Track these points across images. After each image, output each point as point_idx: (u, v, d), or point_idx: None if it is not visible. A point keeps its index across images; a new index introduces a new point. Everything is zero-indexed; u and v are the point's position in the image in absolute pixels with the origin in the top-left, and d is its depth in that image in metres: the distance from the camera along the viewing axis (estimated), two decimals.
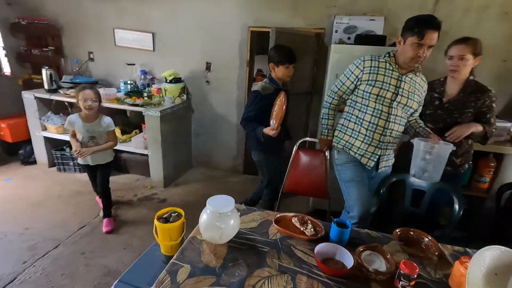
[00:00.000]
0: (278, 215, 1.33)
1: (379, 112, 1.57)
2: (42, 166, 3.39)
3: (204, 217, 1.11)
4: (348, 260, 1.06)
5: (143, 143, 3.05)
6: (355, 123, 1.67)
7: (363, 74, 1.58)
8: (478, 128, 1.69)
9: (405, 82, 1.56)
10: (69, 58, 3.50)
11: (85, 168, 2.37)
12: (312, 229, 1.24)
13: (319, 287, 0.97)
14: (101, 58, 3.55)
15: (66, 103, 3.28)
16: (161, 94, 3.10)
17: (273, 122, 1.77)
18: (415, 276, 0.94)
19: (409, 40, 1.46)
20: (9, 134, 3.26)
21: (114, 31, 3.36)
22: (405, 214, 1.79)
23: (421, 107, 1.72)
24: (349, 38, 2.64)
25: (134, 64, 3.35)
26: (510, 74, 2.52)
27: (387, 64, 1.56)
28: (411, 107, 1.61)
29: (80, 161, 2.30)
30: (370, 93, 1.56)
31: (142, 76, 3.33)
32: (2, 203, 2.64)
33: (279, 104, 1.75)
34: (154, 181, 3.10)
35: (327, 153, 1.90)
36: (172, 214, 1.38)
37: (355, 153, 1.70)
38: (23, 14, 3.44)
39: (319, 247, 1.09)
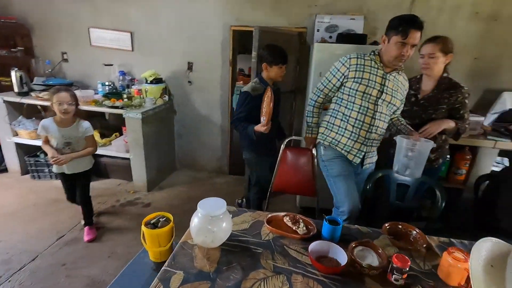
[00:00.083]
0: (270, 215, 1.32)
1: (365, 109, 1.60)
2: (14, 174, 3.19)
3: (195, 221, 1.08)
4: (341, 256, 1.07)
5: (124, 147, 2.94)
6: (341, 120, 1.69)
7: (349, 71, 1.60)
8: (450, 124, 1.77)
9: (389, 80, 1.60)
10: (41, 59, 3.31)
11: (60, 177, 2.17)
12: (304, 228, 1.24)
13: (314, 286, 0.97)
14: (75, 58, 3.39)
15: (38, 107, 3.10)
16: (141, 95, 3.00)
17: (263, 119, 1.77)
18: (407, 269, 0.97)
19: (393, 39, 1.50)
20: None
21: (89, 30, 3.21)
22: (391, 208, 1.84)
23: (402, 105, 1.77)
24: (330, 37, 2.67)
25: (112, 65, 3.23)
26: (481, 71, 2.66)
27: (372, 62, 1.59)
28: (394, 105, 1.65)
29: (54, 169, 2.10)
30: (356, 90, 1.59)
31: (121, 77, 3.22)
32: None
33: (267, 101, 1.74)
34: (137, 185, 3.00)
35: (314, 151, 1.91)
36: (160, 219, 1.34)
37: (342, 149, 1.72)
38: None
39: (313, 246, 1.09)
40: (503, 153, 2.37)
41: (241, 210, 1.39)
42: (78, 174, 2.15)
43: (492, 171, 2.38)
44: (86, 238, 2.19)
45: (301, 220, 1.28)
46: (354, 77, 1.58)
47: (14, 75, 2.87)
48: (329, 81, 1.71)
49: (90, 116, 3.05)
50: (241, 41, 3.33)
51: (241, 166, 3.33)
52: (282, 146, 1.94)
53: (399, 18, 1.50)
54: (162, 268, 0.99)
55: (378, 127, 1.64)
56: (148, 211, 2.67)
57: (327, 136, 1.77)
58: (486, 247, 0.50)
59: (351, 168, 1.75)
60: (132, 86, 3.11)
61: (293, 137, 2.03)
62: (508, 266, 0.46)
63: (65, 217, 2.47)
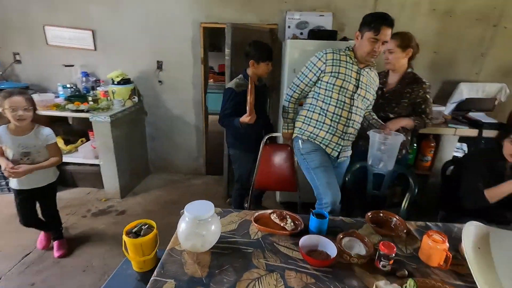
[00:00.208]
0: (257, 214, 1.31)
1: (342, 103, 1.64)
2: None
3: (182, 226, 1.04)
4: (330, 249, 1.09)
5: (92, 152, 2.77)
6: (319, 114, 1.71)
7: (326, 66, 1.62)
8: (408, 122, 1.88)
9: (363, 75, 1.65)
10: None
11: (17, 194, 1.87)
12: (292, 224, 1.25)
13: (308, 280, 0.98)
14: (30, 59, 3.11)
15: None
16: (109, 97, 2.84)
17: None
18: (394, 255, 1.01)
19: (366, 35, 1.55)
20: None
21: (44, 29, 2.96)
22: (368, 197, 1.93)
23: (374, 100, 1.83)
24: (301, 33, 2.72)
25: (73, 65, 3.01)
26: (440, 64, 2.86)
27: (348, 58, 1.64)
28: (368, 99, 1.72)
29: (13, 184, 1.84)
30: (334, 84, 1.62)
31: (84, 78, 3.01)
32: None
33: (250, 92, 1.74)
34: (109, 192, 2.84)
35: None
36: (143, 227, 1.28)
37: (320, 142, 1.74)
38: None
39: (303, 240, 1.10)
40: (462, 139, 2.57)
41: (226, 210, 1.37)
42: (41, 189, 1.90)
43: (454, 156, 2.58)
44: (56, 253, 2.03)
45: (288, 216, 1.29)
46: (331, 72, 1.62)
47: None
48: (306, 76, 1.72)
49: (51, 121, 2.82)
50: (208, 38, 3.26)
51: (218, 166, 3.28)
52: (262, 144, 1.94)
53: (372, 15, 1.56)
54: (152, 278, 0.95)
55: (354, 121, 1.69)
56: (123, 219, 2.54)
57: (305, 130, 1.78)
58: (471, 231, 0.54)
59: (329, 160, 1.79)
60: (98, 88, 2.92)
61: (272, 134, 2.03)
62: (492, 247, 0.49)
63: (29, 233, 2.25)
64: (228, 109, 1.93)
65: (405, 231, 1.25)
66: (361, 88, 1.65)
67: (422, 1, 2.69)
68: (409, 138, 2.09)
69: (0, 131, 1.79)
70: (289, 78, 2.36)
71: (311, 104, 1.76)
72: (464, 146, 2.76)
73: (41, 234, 2.13)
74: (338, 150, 1.75)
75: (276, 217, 1.29)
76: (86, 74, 3.02)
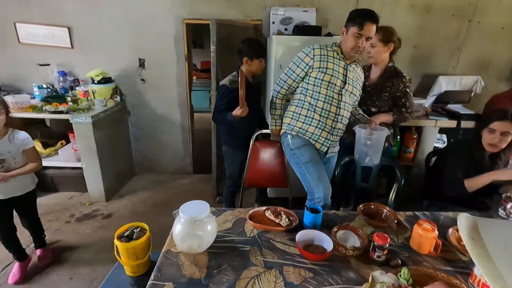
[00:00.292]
0: (251, 211, 1.31)
1: (331, 99, 1.66)
2: None
3: (178, 227, 1.02)
4: (326, 242, 1.11)
5: (74, 155, 2.66)
6: (308, 109, 1.72)
7: (314, 61, 1.63)
8: (387, 118, 1.94)
9: (349, 71, 1.68)
10: None
11: None
12: (287, 219, 1.26)
13: (306, 274, 0.99)
14: (0, 59, 2.93)
15: None
16: (89, 97, 2.73)
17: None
18: (388, 245, 1.04)
19: (350, 30, 1.57)
20: None
21: (16, 26, 2.79)
22: (356, 190, 1.97)
23: (360, 96, 1.85)
24: (286, 29, 2.72)
25: (48, 65, 2.86)
26: (420, 58, 2.95)
27: (335, 53, 1.65)
28: (355, 95, 1.75)
29: None
30: (322, 80, 1.63)
31: (61, 78, 2.88)
32: None
33: (240, 85, 1.75)
34: (93, 196, 2.75)
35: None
36: (135, 230, 1.25)
37: (310, 138, 1.75)
38: None
39: (299, 236, 1.11)
40: (442, 130, 2.68)
41: (220, 209, 1.36)
42: (18, 198, 1.74)
43: (435, 147, 2.68)
44: (41, 262, 1.95)
45: (282, 212, 1.30)
46: (319, 67, 1.63)
47: None
48: (293, 72, 1.72)
49: (27, 124, 2.70)
50: (193, 35, 3.21)
51: (206, 164, 3.25)
52: (252, 140, 1.93)
53: (357, 11, 1.58)
54: (149, 282, 0.92)
55: (343, 116, 1.72)
56: (110, 222, 2.47)
57: (294, 126, 1.77)
58: (463, 223, 0.56)
59: (319, 155, 1.80)
60: (77, 88, 2.80)
61: (263, 131, 2.02)
62: (483, 238, 0.51)
63: None
64: (222, 106, 1.93)
65: (395, 221, 1.29)
66: (348, 83, 1.67)
67: None
68: (392, 131, 2.15)
69: None
70: (275, 74, 2.36)
71: (299, 100, 1.76)
72: (444, 137, 2.88)
73: (15, 266, 1.87)
74: (327, 145, 1.77)
75: (271, 214, 1.29)
76: (63, 74, 2.88)
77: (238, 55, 2.01)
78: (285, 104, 1.87)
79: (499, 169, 1.69)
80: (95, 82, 2.75)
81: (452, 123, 2.56)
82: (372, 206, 1.38)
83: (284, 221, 1.24)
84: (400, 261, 1.05)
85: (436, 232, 1.10)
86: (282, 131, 1.86)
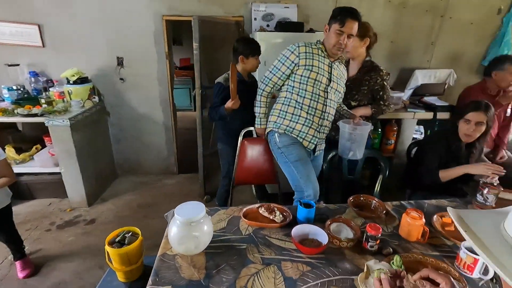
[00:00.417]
0: (245, 209, 1.31)
1: (317, 96, 1.68)
2: None
3: (174, 230, 1.00)
4: (320, 236, 1.13)
5: (51, 160, 2.53)
6: (294, 107, 1.73)
7: (299, 59, 1.64)
8: (366, 111, 2.00)
9: (334, 68, 1.70)
10: None
11: None
12: (281, 216, 1.27)
13: (304, 268, 1.01)
14: None
15: None
16: (65, 99, 2.60)
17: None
18: (380, 235, 1.08)
19: (332, 27, 1.60)
20: None
21: None
22: (344, 182, 2.03)
23: (344, 93, 1.88)
24: (268, 25, 2.71)
25: (18, 65, 2.69)
26: (397, 53, 3.06)
27: (319, 51, 1.67)
28: (340, 92, 1.78)
29: None
30: (308, 77, 1.65)
31: (33, 79, 2.72)
32: None
33: (231, 77, 1.77)
34: (74, 201, 2.63)
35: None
36: (126, 235, 1.21)
37: (297, 136, 1.76)
38: None
39: (294, 231, 1.13)
40: (420, 122, 2.80)
41: (213, 209, 1.35)
42: None
43: (413, 138, 2.80)
44: (21, 274, 1.84)
45: (276, 209, 1.31)
46: (305, 65, 1.64)
47: None
48: (278, 69, 1.72)
49: None
50: (173, 32, 3.13)
51: (191, 163, 3.21)
52: (240, 138, 1.93)
53: (340, 8, 1.61)
54: (147, 287, 0.90)
55: (329, 113, 1.74)
56: (94, 228, 2.38)
57: (281, 124, 1.76)
58: (454, 217, 0.59)
59: (306, 153, 1.81)
60: (51, 89, 2.65)
61: (249, 128, 2.01)
62: (474, 230, 0.54)
63: None
64: (217, 102, 1.97)
65: (384, 211, 1.34)
66: (333, 81, 1.70)
67: None
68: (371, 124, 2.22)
69: None
70: (259, 71, 2.35)
71: (285, 97, 1.76)
72: (422, 128, 3.01)
73: None
74: (315, 143, 1.79)
75: (265, 211, 1.30)
76: (35, 74, 2.72)
77: (233, 54, 2.03)
78: (270, 103, 1.87)
79: (474, 158, 1.80)
80: (71, 82, 2.62)
81: (429, 115, 2.68)
82: (362, 198, 1.42)
83: (278, 217, 1.26)
84: (391, 250, 1.10)
85: (423, 219, 1.15)
86: (268, 129, 1.84)
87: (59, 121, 2.31)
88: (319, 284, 0.94)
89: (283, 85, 1.78)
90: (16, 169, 2.38)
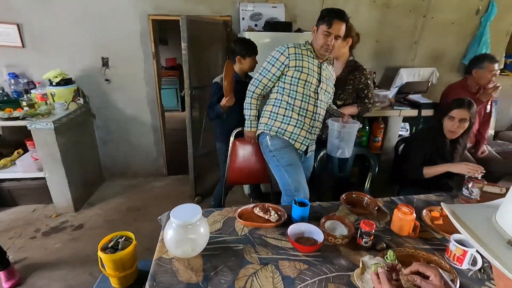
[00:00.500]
0: (240, 210, 1.31)
1: (308, 97, 1.69)
2: None
3: (170, 233, 0.99)
4: (316, 234, 1.15)
5: (34, 165, 2.44)
6: (286, 108, 1.72)
7: (289, 60, 1.64)
8: (353, 110, 2.03)
9: (323, 69, 1.72)
10: None
11: None
12: (276, 215, 1.28)
13: (301, 267, 1.02)
14: None
15: None
16: (48, 101, 2.51)
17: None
18: (374, 231, 1.10)
19: (320, 28, 1.61)
20: None
21: None
22: (334, 180, 2.06)
23: (333, 94, 1.90)
24: (256, 25, 2.72)
25: None
26: (382, 52, 3.13)
27: (309, 52, 1.68)
28: (329, 93, 1.80)
29: None
30: (298, 79, 1.65)
31: (13, 81, 2.61)
32: None
33: (225, 74, 1.78)
34: (60, 207, 2.55)
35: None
36: (119, 240, 1.19)
37: (289, 137, 1.74)
38: None
39: (290, 229, 1.14)
40: (405, 119, 2.87)
41: (208, 210, 1.34)
42: None
43: (400, 135, 2.87)
44: (5, 285, 1.77)
45: (270, 208, 1.31)
46: (295, 66, 1.64)
47: None
48: (268, 71, 1.70)
49: None
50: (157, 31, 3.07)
51: (180, 165, 3.18)
52: (232, 138, 1.92)
53: (327, 9, 1.62)
54: None
55: (320, 114, 1.76)
56: (82, 233, 2.32)
57: (272, 126, 1.74)
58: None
59: (297, 156, 1.79)
60: (32, 91, 2.56)
61: (239, 129, 2.00)
62: (469, 226, 0.56)
63: None
64: (214, 102, 1.98)
65: (376, 208, 1.37)
66: (323, 82, 1.71)
67: None
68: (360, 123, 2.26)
69: None
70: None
71: (276, 99, 1.75)
72: (407, 125, 3.09)
73: None
74: (306, 144, 1.79)
75: (260, 211, 1.30)
76: (15, 76, 2.61)
77: (231, 55, 2.05)
78: (260, 105, 1.86)
79: (458, 153, 1.87)
80: (54, 84, 2.53)
81: (414, 112, 2.75)
82: (354, 195, 1.45)
83: (273, 217, 1.26)
84: (384, 245, 1.13)
85: (414, 214, 1.19)
86: (259, 131, 1.82)
87: (43, 124, 2.23)
88: (317, 281, 0.95)
89: (273, 86, 1.77)
90: None
